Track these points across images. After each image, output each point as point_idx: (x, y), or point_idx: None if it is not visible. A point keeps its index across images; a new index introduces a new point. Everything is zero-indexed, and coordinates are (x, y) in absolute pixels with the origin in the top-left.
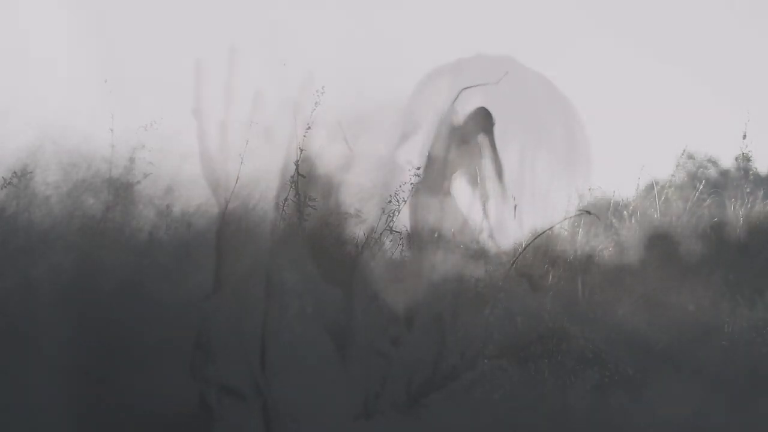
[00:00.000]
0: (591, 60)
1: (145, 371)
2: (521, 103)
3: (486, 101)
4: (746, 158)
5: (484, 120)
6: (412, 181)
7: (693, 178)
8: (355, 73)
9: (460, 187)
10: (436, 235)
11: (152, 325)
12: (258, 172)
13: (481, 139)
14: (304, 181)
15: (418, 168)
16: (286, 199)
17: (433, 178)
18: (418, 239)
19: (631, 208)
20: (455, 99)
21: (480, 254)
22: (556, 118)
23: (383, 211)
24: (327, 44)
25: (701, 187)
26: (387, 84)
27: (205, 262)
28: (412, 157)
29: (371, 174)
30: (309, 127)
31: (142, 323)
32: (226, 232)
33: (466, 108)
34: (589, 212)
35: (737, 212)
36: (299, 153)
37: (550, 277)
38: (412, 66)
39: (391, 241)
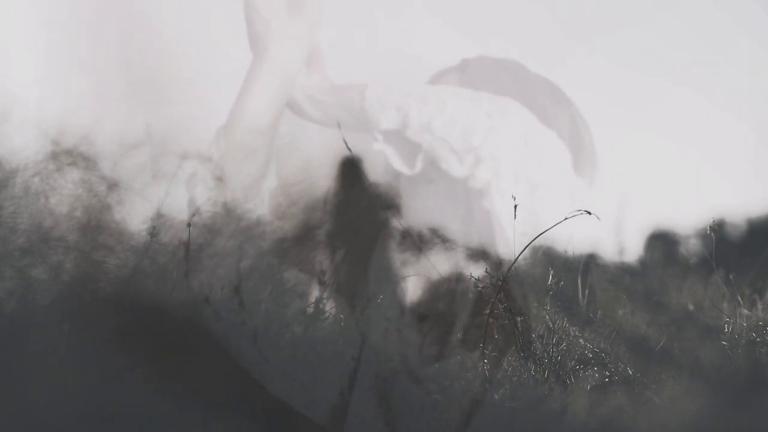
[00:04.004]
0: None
1: (144, 372)
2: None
3: None
4: None
5: None
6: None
7: None
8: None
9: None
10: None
11: (152, 325)
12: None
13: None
14: None
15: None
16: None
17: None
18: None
19: None
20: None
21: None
22: (561, 121)
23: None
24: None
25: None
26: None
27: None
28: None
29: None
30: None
31: (141, 323)
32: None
33: None
34: (589, 212)
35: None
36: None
37: (550, 277)
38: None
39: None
